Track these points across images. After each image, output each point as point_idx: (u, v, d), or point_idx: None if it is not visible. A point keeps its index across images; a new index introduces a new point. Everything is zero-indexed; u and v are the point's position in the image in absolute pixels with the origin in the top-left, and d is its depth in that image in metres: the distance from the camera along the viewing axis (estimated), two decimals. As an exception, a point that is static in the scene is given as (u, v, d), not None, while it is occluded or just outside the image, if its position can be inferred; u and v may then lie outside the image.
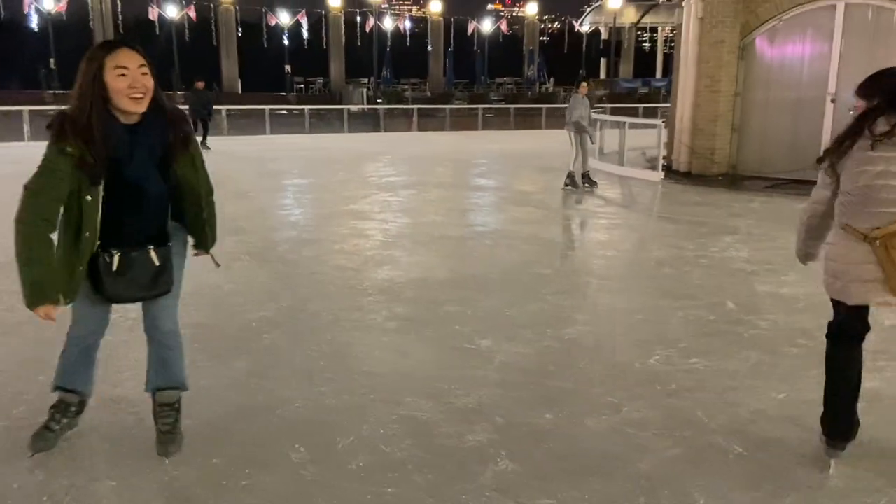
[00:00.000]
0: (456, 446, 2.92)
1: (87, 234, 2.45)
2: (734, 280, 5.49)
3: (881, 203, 2.54)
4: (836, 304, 2.81)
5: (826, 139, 10.81)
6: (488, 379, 3.59)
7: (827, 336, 2.87)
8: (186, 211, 2.71)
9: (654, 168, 11.87)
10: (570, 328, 4.39)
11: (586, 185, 10.39)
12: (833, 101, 10.85)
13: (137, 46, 2.50)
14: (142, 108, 2.45)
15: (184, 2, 39.79)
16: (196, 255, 2.88)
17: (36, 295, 2.39)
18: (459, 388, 3.46)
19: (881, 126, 2.56)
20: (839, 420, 2.80)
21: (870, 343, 4.11)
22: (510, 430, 3.03)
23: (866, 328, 2.84)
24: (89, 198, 2.42)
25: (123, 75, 2.40)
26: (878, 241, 2.56)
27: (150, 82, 2.46)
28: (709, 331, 4.32)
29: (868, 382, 3.53)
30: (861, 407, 3.26)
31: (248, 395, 3.36)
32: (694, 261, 6.17)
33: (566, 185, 10.29)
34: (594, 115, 14.38)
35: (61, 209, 2.43)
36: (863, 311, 2.78)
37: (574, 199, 9.81)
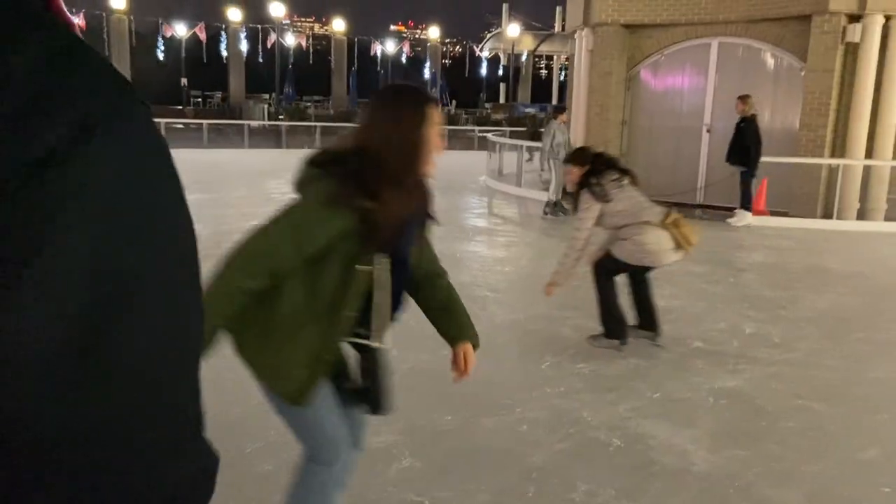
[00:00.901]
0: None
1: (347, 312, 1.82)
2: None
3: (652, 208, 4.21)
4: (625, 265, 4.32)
5: (703, 164, 11.78)
6: (394, 385, 3.77)
7: (608, 275, 4.42)
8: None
9: (549, 189, 12.46)
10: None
11: (559, 212, 10.00)
12: (708, 130, 11.80)
13: None
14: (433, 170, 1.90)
15: (73, 10, 38.04)
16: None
17: None
18: (364, 394, 3.62)
19: (607, 177, 4.20)
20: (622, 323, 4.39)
21: (732, 348, 4.59)
22: (413, 432, 3.23)
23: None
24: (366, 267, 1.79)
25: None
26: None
27: None
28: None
29: (729, 382, 3.98)
30: (723, 403, 3.68)
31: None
32: (584, 276, 6.58)
33: (546, 213, 10.08)
34: (496, 139, 15.00)
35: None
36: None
37: (473, 216, 10.16)
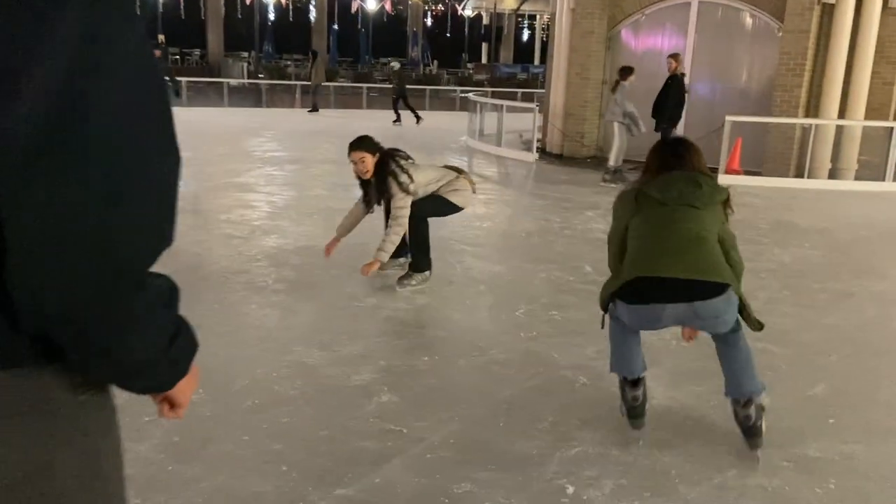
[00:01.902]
0: (343, 385, 3.28)
1: None
2: (592, 248, 6.12)
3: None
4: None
5: (682, 124, 11.92)
6: (372, 330, 3.96)
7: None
8: None
9: (529, 150, 12.59)
10: (446, 288, 4.83)
11: (619, 180, 9.45)
12: (687, 91, 11.92)
13: None
14: None
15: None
16: None
17: None
18: (346, 338, 3.81)
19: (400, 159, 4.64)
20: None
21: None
22: (391, 371, 3.42)
23: None
24: None
25: None
26: None
27: None
28: (567, 289, 4.89)
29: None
30: (684, 346, 3.89)
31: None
32: (559, 231, 6.80)
33: (605, 179, 9.75)
34: (477, 98, 15.02)
35: None
36: None
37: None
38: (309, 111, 19.76)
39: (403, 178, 4.47)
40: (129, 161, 0.76)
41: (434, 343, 3.83)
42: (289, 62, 38.80)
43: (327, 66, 38.69)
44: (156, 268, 0.84)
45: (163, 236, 0.81)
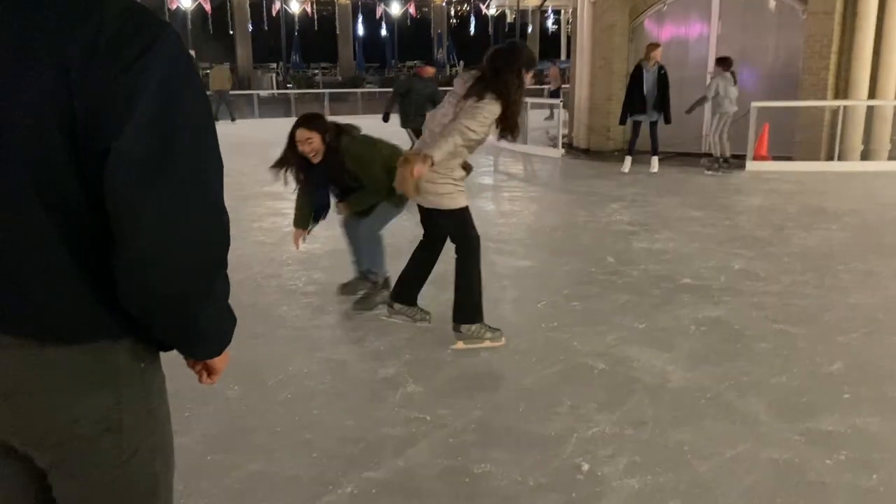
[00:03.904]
0: (370, 379, 3.44)
1: None
2: (615, 239, 6.21)
3: None
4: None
5: (708, 113, 11.86)
6: (398, 327, 4.11)
7: (474, 241, 3.73)
8: None
9: (555, 145, 12.64)
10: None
11: (725, 169, 9.89)
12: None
13: None
14: None
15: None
16: None
17: None
18: (374, 335, 3.97)
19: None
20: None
21: (718, 283, 4.88)
22: (416, 364, 3.58)
23: None
24: None
25: None
26: None
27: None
28: (588, 280, 4.98)
29: (712, 312, 4.28)
30: (703, 330, 3.99)
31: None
32: (583, 225, 6.88)
33: (715, 169, 9.90)
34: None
35: None
36: None
37: (478, 174, 10.41)
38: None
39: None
40: (215, 176, 1.08)
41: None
42: (316, 71, 39.32)
43: (354, 72, 39.11)
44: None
45: (229, 232, 1.12)
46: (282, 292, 4.79)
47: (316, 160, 4.14)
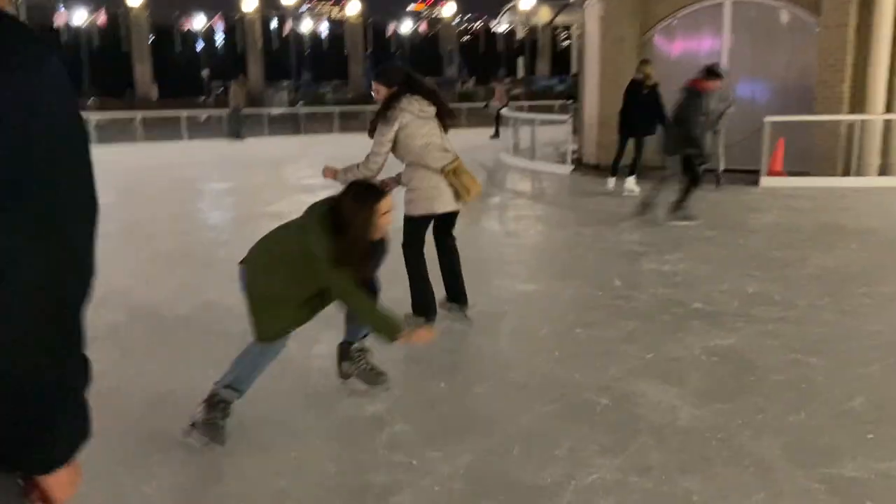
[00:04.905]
0: (356, 416, 3.23)
1: None
2: (623, 260, 5.98)
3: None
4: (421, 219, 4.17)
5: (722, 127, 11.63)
6: (389, 357, 3.89)
7: (414, 250, 4.21)
8: None
9: (564, 162, 12.43)
10: (471, 309, 4.74)
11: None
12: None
13: None
14: None
15: (90, 8, 38.53)
16: None
17: None
18: (363, 366, 3.75)
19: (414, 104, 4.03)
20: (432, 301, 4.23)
21: (731, 308, 4.63)
22: (406, 399, 3.36)
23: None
24: None
25: None
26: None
27: None
28: (594, 305, 4.75)
29: (724, 341, 4.04)
30: (714, 361, 3.74)
31: (164, 382, 3.57)
32: (590, 245, 6.65)
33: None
34: (509, 113, 14.93)
35: None
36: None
37: (485, 194, 10.21)
38: (232, 139, 19.76)
39: (383, 118, 4.19)
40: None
41: (451, 368, 3.75)
42: (327, 89, 39.49)
43: (364, 89, 39.21)
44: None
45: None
46: (272, 320, 4.58)
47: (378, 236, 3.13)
